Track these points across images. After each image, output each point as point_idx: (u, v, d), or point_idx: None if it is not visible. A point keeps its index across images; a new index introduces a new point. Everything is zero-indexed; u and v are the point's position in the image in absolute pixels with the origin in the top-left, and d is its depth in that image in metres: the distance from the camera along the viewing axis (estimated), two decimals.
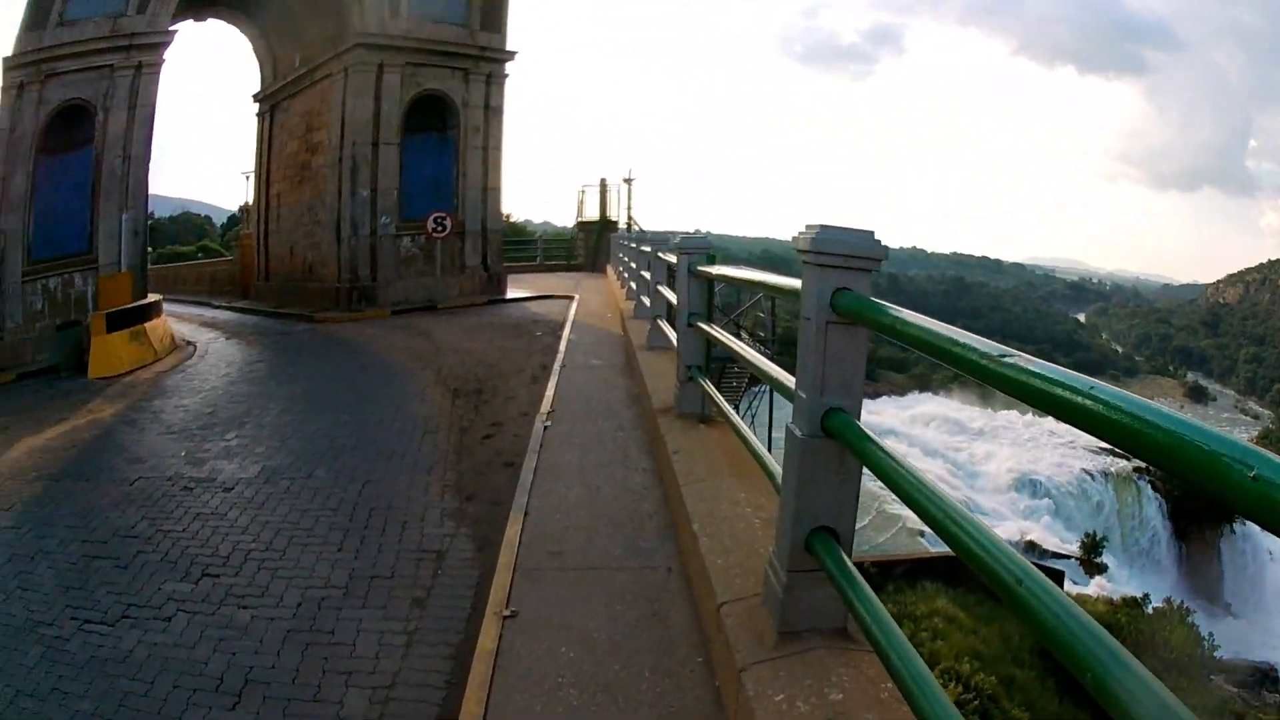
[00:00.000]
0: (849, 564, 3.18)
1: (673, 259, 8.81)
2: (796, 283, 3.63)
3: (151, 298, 22.17)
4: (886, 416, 64.36)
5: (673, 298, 9.43)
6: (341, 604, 6.30)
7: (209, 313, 30.60)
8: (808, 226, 3.34)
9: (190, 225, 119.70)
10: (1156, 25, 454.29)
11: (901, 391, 77.18)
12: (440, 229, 25.75)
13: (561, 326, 19.07)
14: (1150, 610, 31.38)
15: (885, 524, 40.19)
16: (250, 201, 35.74)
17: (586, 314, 21.15)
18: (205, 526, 8.04)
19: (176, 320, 27.49)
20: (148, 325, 19.63)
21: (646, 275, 13.94)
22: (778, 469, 4.15)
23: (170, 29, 22.92)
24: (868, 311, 3.04)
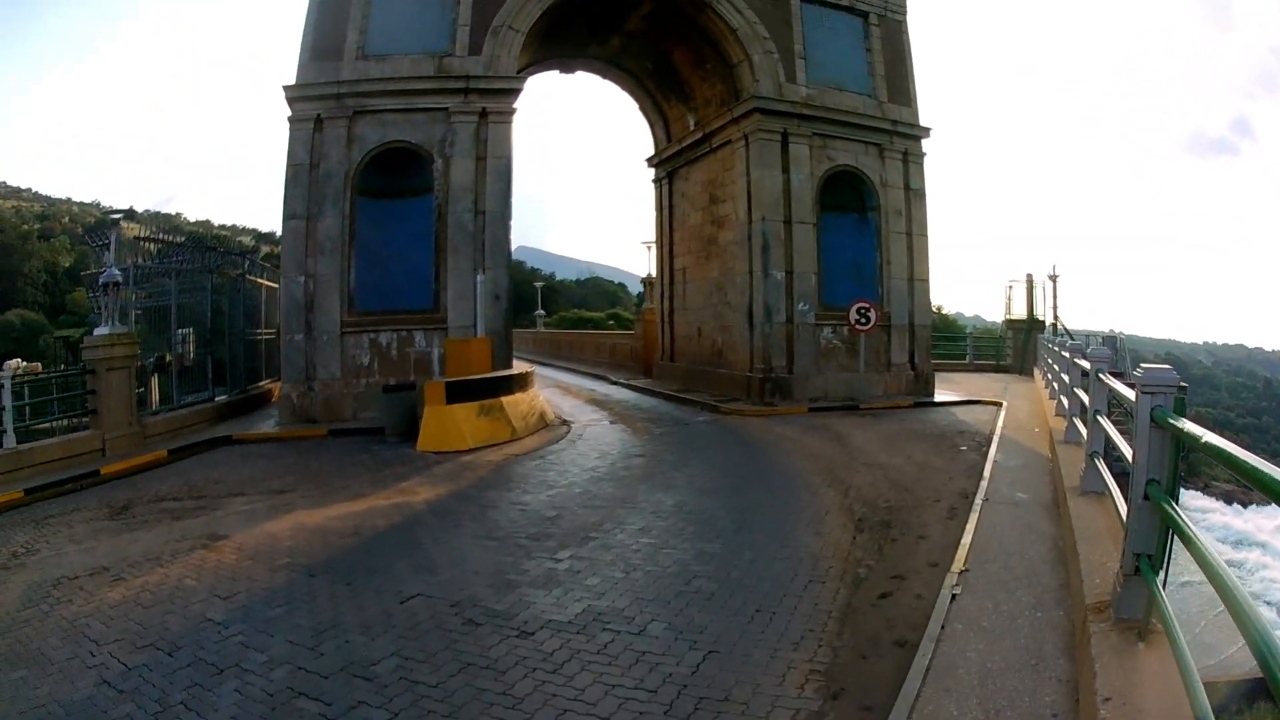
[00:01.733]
0: None
1: (1126, 392, 7.07)
2: None
3: (521, 368, 22.57)
4: (1254, 526, 60.16)
5: (1121, 442, 7.71)
6: None
7: (603, 389, 31.71)
8: None
9: (601, 290, 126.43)
10: None
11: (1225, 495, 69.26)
12: (864, 321, 24.86)
13: (988, 441, 17.79)
14: None
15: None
16: (653, 274, 36.27)
17: (1014, 426, 19.73)
18: (468, 687, 6.72)
19: (562, 394, 28.70)
20: (506, 399, 19.64)
21: (1082, 396, 12.50)
22: None
23: (518, 75, 23.46)
24: None
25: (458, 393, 18.49)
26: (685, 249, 31.56)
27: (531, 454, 17.42)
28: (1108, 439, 9.09)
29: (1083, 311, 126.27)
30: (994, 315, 48.89)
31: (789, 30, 26.01)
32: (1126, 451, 6.87)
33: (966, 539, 10.05)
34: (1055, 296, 38.32)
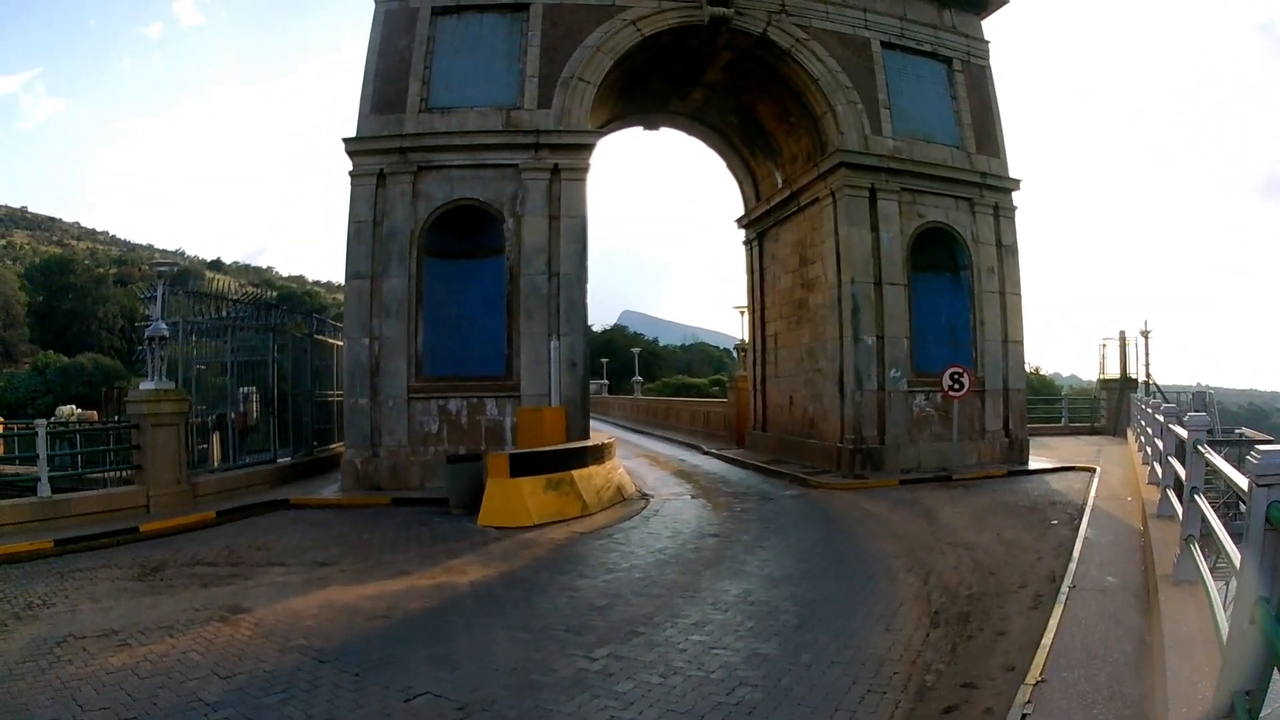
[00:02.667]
0: None
1: (1239, 480, 6.00)
2: None
3: (600, 438, 22.10)
4: None
5: (1225, 539, 6.54)
6: None
7: (693, 459, 31.27)
8: None
9: (706, 356, 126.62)
10: None
11: None
12: (957, 387, 23.86)
13: (1080, 513, 17.04)
14: None
15: None
16: (745, 340, 35.90)
17: (1106, 495, 19.15)
18: None
19: (650, 464, 28.60)
20: (577, 472, 18.98)
21: (1177, 468, 11.29)
22: None
23: (591, 130, 23.15)
24: None
25: (523, 465, 17.97)
26: (776, 313, 31.07)
27: (599, 532, 16.82)
28: (1201, 517, 8.18)
29: (1167, 363, 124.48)
30: (1090, 373, 48.51)
31: (872, 79, 25.46)
32: (1230, 550, 5.86)
33: (1048, 638, 9.11)
34: (1147, 353, 38.17)
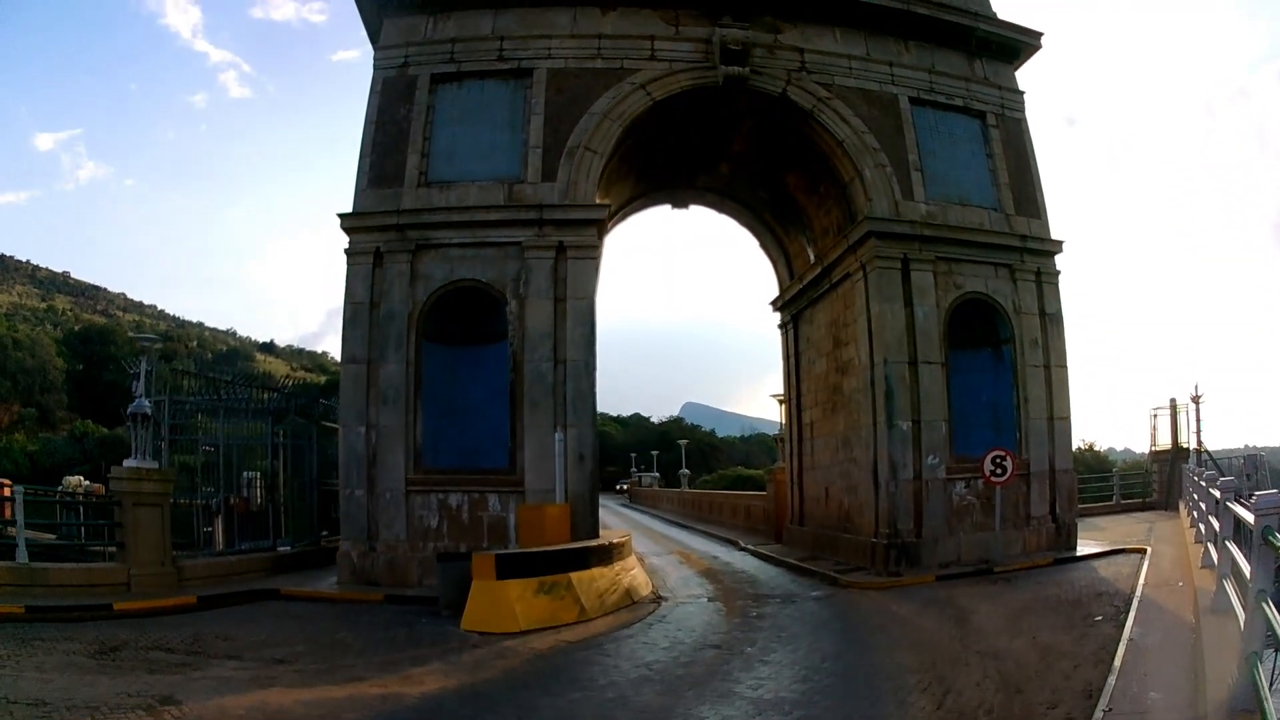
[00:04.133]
0: None
1: None
2: None
3: (611, 537, 21.12)
4: None
5: None
6: None
7: (726, 555, 30.49)
8: None
9: (764, 447, 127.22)
10: None
11: None
12: (999, 472, 22.17)
13: (1127, 605, 15.58)
14: None
15: None
16: (783, 429, 34.87)
17: (1156, 582, 17.83)
18: None
19: (680, 562, 27.99)
20: (577, 575, 17.76)
21: (1240, 560, 9.49)
22: None
23: (599, 204, 22.57)
24: None
25: (513, 566, 16.87)
26: (812, 400, 29.89)
27: (590, 641, 15.60)
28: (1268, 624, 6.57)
29: (1217, 425, 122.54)
30: (1143, 445, 47.84)
31: (901, 139, 24.21)
32: None
33: None
34: (1199, 420, 36.98)
